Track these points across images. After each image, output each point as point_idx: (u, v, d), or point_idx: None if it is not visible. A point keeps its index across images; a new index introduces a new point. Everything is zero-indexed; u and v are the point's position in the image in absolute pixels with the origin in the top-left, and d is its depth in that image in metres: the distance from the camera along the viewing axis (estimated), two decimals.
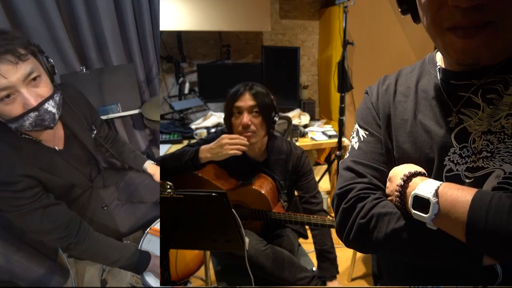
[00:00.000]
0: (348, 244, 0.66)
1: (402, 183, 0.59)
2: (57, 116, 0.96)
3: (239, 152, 1.16)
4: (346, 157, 0.73)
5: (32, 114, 0.88)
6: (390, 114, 0.68)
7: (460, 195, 0.51)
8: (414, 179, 0.59)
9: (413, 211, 0.56)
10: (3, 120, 0.90)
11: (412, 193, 0.56)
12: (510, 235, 0.46)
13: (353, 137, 0.75)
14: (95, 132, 1.32)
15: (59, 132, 1.14)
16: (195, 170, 1.23)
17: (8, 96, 0.84)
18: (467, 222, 0.49)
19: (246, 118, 1.18)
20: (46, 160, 1.03)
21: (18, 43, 0.84)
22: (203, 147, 1.21)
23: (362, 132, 0.72)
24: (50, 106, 0.92)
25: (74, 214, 1.09)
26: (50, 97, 0.93)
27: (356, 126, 0.75)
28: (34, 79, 0.88)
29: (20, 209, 0.95)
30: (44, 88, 0.91)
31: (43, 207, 0.99)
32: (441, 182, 0.55)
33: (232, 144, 1.15)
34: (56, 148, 1.10)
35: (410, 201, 0.56)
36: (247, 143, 1.17)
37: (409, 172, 0.60)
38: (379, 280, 0.84)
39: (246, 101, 1.18)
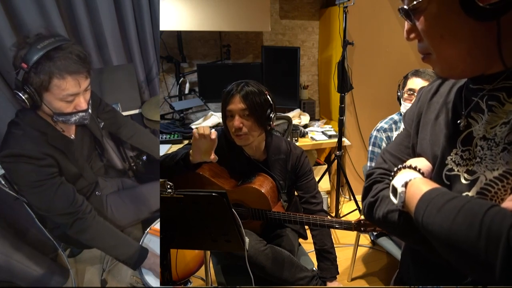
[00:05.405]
0: (365, 216, 0.77)
1: (393, 173, 0.66)
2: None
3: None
4: None
5: (80, 114, 1.16)
6: (422, 112, 0.73)
7: (419, 190, 0.56)
8: (401, 171, 0.65)
9: (391, 196, 0.64)
10: (52, 113, 1.13)
11: (392, 182, 0.64)
12: (437, 232, 0.50)
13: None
14: (102, 124, 1.48)
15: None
16: (187, 170, 1.21)
17: (71, 98, 1.11)
18: (414, 215, 0.56)
19: (237, 121, 1.19)
20: (64, 145, 1.24)
21: (91, 66, 1.16)
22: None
23: (402, 126, 0.81)
24: (89, 109, 1.20)
25: (81, 196, 1.24)
26: (89, 103, 1.20)
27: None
28: (86, 89, 1.16)
29: (38, 184, 1.12)
30: (88, 95, 1.19)
31: (57, 184, 1.17)
32: (419, 176, 0.61)
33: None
34: (71, 137, 1.30)
35: (390, 188, 0.65)
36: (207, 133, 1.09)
37: (404, 165, 0.66)
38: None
39: (237, 104, 1.19)
